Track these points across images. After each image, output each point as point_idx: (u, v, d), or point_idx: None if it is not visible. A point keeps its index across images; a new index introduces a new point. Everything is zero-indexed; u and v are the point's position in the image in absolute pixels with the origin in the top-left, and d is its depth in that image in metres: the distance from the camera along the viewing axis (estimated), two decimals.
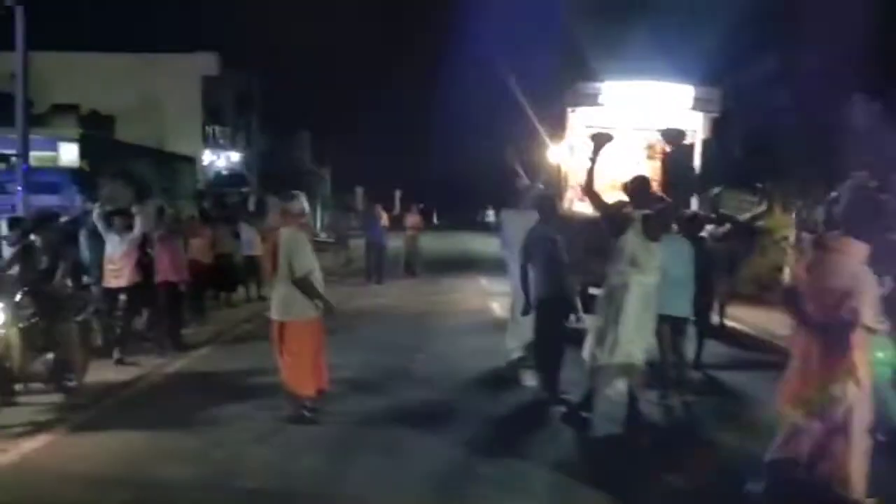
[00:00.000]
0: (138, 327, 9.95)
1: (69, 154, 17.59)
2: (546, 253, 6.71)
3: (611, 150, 13.04)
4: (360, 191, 16.52)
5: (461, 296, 15.21)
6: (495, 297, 14.58)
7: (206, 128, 34.00)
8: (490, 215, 37.49)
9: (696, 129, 12.38)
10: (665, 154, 14.57)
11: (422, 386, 7.72)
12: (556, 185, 15.78)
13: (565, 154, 14.96)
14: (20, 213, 11.53)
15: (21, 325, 6.59)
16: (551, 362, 6.71)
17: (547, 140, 15.78)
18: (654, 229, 6.13)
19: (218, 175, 34.07)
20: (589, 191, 6.58)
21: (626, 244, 6.00)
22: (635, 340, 5.91)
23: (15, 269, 6.88)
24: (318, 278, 6.38)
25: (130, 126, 26.09)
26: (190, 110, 32.62)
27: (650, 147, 14.43)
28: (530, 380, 7.50)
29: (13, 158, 12.50)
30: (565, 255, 6.83)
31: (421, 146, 52.59)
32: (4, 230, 11.47)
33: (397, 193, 17.51)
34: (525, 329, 8.06)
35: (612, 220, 6.12)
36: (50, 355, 6.95)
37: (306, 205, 6.58)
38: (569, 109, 12.42)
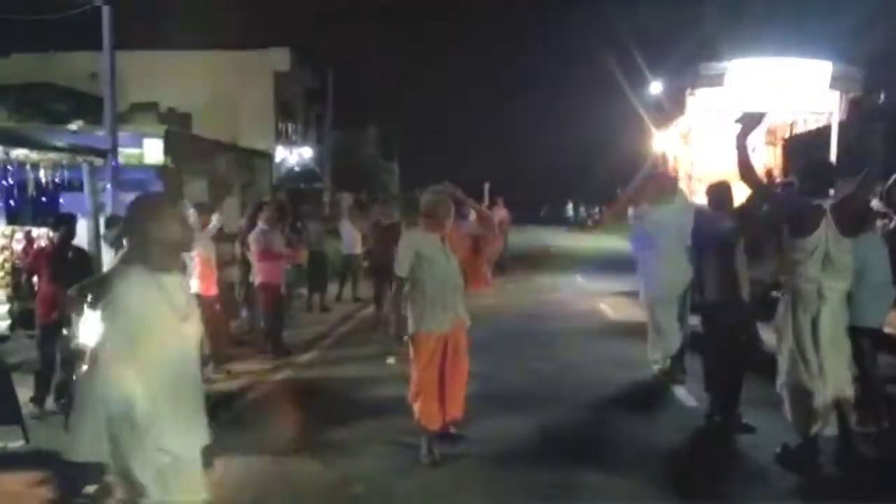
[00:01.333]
0: (233, 331, 9.46)
1: (154, 151, 17.29)
2: (721, 248, 5.74)
3: (724, 136, 12.26)
4: (449, 185, 15.65)
5: (563, 295, 14.31)
6: (600, 298, 13.67)
7: (279, 124, 33.86)
8: (570, 209, 36.45)
9: (832, 110, 11.21)
10: (786, 140, 13.44)
11: (566, 404, 6.83)
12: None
13: (674, 141, 13.93)
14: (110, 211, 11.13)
15: None
16: (729, 382, 5.74)
17: (651, 127, 14.75)
18: (850, 223, 5.11)
19: (290, 171, 33.88)
20: (751, 177, 5.54)
21: (818, 242, 4.99)
22: (840, 363, 4.92)
23: None
24: None
25: (206, 123, 25.92)
26: (263, 106, 32.52)
27: (770, 132, 13.33)
28: (690, 399, 6.60)
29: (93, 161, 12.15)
30: (742, 252, 5.85)
31: (490, 141, 51.69)
32: (84, 230, 11.16)
33: (487, 186, 16.54)
34: (670, 339, 7.16)
35: (797, 213, 5.08)
36: None
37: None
38: (687, 91, 11.36)
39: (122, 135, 13.86)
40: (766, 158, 13.00)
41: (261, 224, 8.94)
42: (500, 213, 17.12)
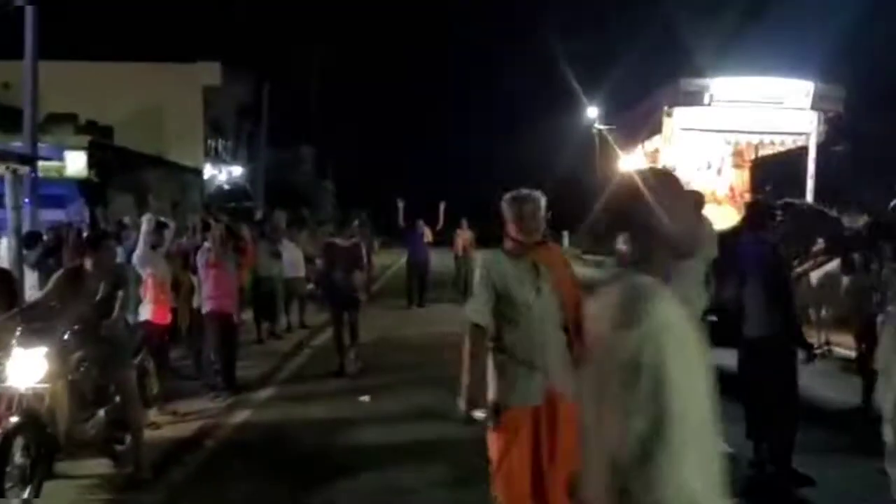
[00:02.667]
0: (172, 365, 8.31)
1: (76, 163, 15.81)
2: (768, 276, 5.05)
3: (700, 156, 11.78)
4: (401, 204, 14.72)
5: None
6: None
7: (208, 141, 32.36)
8: None
9: (810, 131, 10.93)
10: (754, 161, 13.17)
11: None
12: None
13: (641, 162, 13.48)
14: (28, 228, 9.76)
15: (71, 376, 4.89)
16: (782, 428, 5.01)
17: (617, 150, 14.30)
18: None
19: (220, 189, 32.36)
20: None
21: None
22: None
23: (55, 299, 5.16)
24: None
25: (129, 137, 24.37)
26: (191, 122, 31.01)
27: (737, 154, 13.03)
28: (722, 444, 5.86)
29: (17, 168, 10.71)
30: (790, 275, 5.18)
31: (433, 161, 50.97)
32: (2, 249, 9.78)
33: (442, 206, 15.69)
34: None
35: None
36: (101, 413, 5.24)
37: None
38: (663, 109, 10.87)
39: (41, 146, 12.41)
40: (734, 180, 12.69)
41: (206, 244, 7.87)
42: (464, 234, 16.33)
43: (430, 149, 52.02)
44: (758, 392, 5.10)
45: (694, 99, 10.52)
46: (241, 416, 7.05)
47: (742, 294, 5.11)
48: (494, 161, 45.52)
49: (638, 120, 12.73)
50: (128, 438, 5.44)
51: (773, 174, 12.82)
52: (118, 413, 5.35)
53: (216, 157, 33.22)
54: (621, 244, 1.82)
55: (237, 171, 34.35)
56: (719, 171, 12.64)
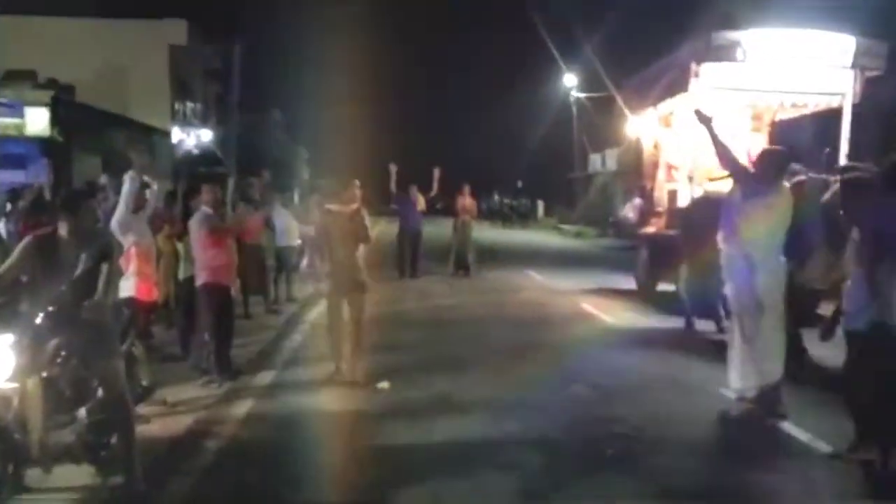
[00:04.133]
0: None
1: (37, 121, 14.47)
2: None
3: (729, 118, 10.88)
4: (394, 169, 13.67)
5: (532, 295, 12.69)
6: (576, 297, 12.20)
7: (176, 103, 30.81)
8: (496, 202, 35.27)
9: (846, 91, 10.14)
10: (773, 125, 12.39)
11: (649, 448, 5.19)
12: (634, 164, 13.49)
13: (653, 125, 12.63)
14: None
15: (45, 371, 3.89)
16: None
17: (625, 109, 13.40)
18: None
19: (188, 154, 30.86)
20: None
21: None
22: None
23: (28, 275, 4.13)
24: None
25: (91, 98, 22.89)
26: (156, 83, 29.46)
27: (755, 117, 12.24)
28: (815, 440, 5.10)
29: None
30: None
31: (414, 126, 49.40)
32: None
33: (436, 172, 14.68)
34: (770, 361, 5.57)
35: None
36: (82, 412, 4.26)
37: None
38: (690, 67, 9.99)
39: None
40: (751, 145, 11.90)
41: (204, 208, 6.83)
42: (465, 202, 15.35)
43: (410, 116, 50.50)
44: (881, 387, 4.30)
45: (726, 54, 9.67)
46: (242, 407, 6.08)
47: (875, 273, 4.28)
48: (471, 130, 44.44)
49: (652, 80, 11.85)
50: (114, 441, 4.48)
51: (793, 139, 12.05)
52: (103, 412, 4.37)
53: (184, 121, 31.72)
54: None
55: (206, 134, 32.82)
56: (734, 136, 11.83)
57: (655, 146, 12.39)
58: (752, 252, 5.60)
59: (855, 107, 10.10)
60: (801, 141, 12.07)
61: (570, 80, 38.52)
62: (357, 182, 6.85)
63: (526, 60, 39.53)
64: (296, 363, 7.70)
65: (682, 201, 11.09)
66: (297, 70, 39.90)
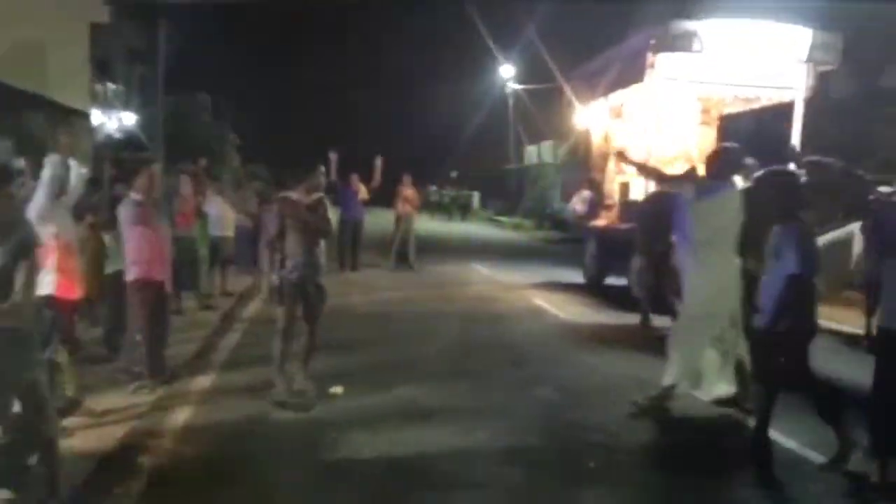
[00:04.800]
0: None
1: None
2: None
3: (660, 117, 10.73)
4: (334, 157, 13.06)
5: (481, 289, 12.31)
6: (526, 292, 11.89)
7: (96, 84, 29.16)
8: (434, 194, 34.83)
9: (800, 85, 10.10)
10: (722, 119, 12.34)
11: (628, 456, 4.87)
12: (583, 156, 13.26)
13: (603, 116, 12.41)
14: None
15: None
16: None
17: (573, 100, 13.15)
18: None
19: (110, 138, 29.29)
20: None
21: None
22: None
23: None
24: None
25: (4, 76, 21.29)
26: (74, 62, 27.70)
27: (704, 111, 12.17)
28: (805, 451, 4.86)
29: None
30: None
31: (350, 114, 48.12)
32: None
33: (378, 161, 14.10)
34: (689, 363, 5.45)
35: None
36: None
37: None
38: (645, 57, 9.76)
39: None
40: (700, 139, 11.82)
41: (134, 195, 6.16)
42: (407, 192, 14.81)
43: (341, 105, 49.25)
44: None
45: (683, 44, 9.47)
46: (179, 415, 5.47)
47: (882, 275, 4.04)
48: (407, 120, 43.85)
49: (603, 70, 11.61)
50: (35, 462, 3.86)
51: (742, 132, 12.03)
52: (21, 430, 3.74)
53: (105, 103, 30.08)
54: None
55: (129, 118, 31.23)
56: (684, 129, 11.73)
57: (605, 138, 12.18)
58: (704, 253, 5.41)
59: (807, 101, 10.06)
60: (750, 135, 12.10)
61: (506, 71, 38.37)
62: (322, 168, 6.22)
63: (463, 50, 39.16)
64: (236, 365, 7.08)
65: (635, 194, 10.90)
66: (227, 52, 38.48)
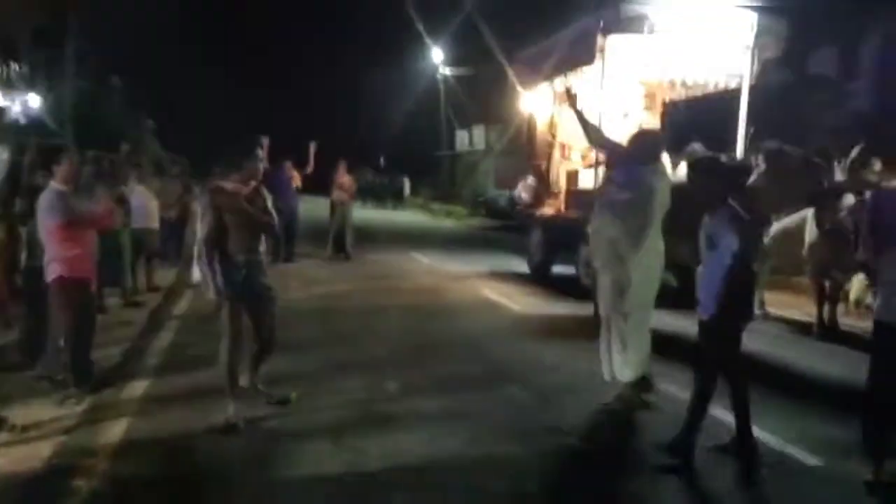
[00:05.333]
0: None
1: None
2: None
3: (598, 102, 10.53)
4: (265, 142, 12.38)
5: (425, 280, 11.88)
6: (472, 282, 11.58)
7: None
8: (368, 179, 34.03)
9: (745, 72, 10.04)
10: (665, 105, 12.25)
11: (634, 482, 4.58)
12: (529, 143, 12.98)
13: (547, 101, 12.16)
14: None
15: None
16: None
17: (517, 85, 12.85)
18: None
19: (15, 123, 27.49)
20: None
21: None
22: None
23: None
24: None
25: None
26: None
27: (648, 96, 12.05)
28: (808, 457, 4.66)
29: None
30: None
31: (276, 99, 46.37)
32: None
33: (312, 146, 13.47)
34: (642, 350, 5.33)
35: None
36: None
37: None
38: (598, 37, 9.52)
39: None
40: (644, 125, 11.70)
41: (55, 184, 5.48)
42: (343, 179, 14.24)
43: (272, 89, 47.46)
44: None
45: (634, 26, 9.27)
46: (115, 429, 4.87)
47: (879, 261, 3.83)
48: (336, 104, 42.84)
49: (549, 53, 11.31)
50: None
51: (685, 119, 11.98)
52: None
53: (7, 84, 28.20)
54: None
55: (34, 100, 29.38)
56: (626, 115, 11.58)
57: (551, 124, 11.93)
58: (622, 240, 5.23)
59: (751, 89, 10.02)
60: (693, 122, 12.06)
61: (437, 56, 37.93)
62: (260, 153, 5.46)
63: (393, 34, 38.37)
64: (172, 368, 6.44)
65: (585, 182, 10.69)
66: (141, 34, 36.63)
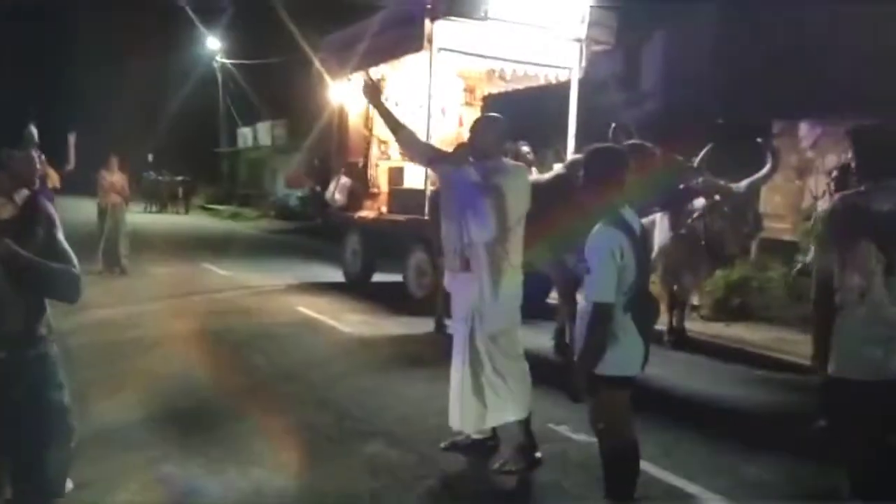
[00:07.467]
0: None
1: None
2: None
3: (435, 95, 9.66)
4: (73, 138, 9.86)
5: (232, 297, 10.05)
6: (282, 297, 10.10)
7: None
8: (151, 175, 30.51)
9: (574, 63, 9.61)
10: (486, 99, 11.60)
11: None
12: (340, 139, 11.68)
13: (354, 92, 10.94)
14: None
15: None
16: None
17: (324, 74, 11.52)
18: None
19: None
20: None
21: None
22: None
23: None
24: None
25: None
26: None
27: (467, 90, 11.35)
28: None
29: None
30: None
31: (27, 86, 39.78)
32: None
33: (72, 138, 11.06)
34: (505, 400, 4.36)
35: None
36: None
37: None
38: (426, 22, 8.56)
39: None
40: (464, 120, 10.94)
41: None
42: (113, 178, 11.94)
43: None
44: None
45: (467, 10, 8.41)
46: None
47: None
48: (102, 93, 38.17)
49: (363, 40, 10.14)
50: None
51: (506, 115, 11.40)
52: None
53: None
54: None
55: None
56: (444, 111, 10.78)
57: (367, 117, 10.78)
58: (474, 255, 4.25)
59: (580, 82, 9.62)
60: (514, 118, 11.49)
61: (213, 44, 35.06)
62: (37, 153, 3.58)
63: (166, 20, 34.84)
64: None
65: (412, 182, 9.70)
66: None
